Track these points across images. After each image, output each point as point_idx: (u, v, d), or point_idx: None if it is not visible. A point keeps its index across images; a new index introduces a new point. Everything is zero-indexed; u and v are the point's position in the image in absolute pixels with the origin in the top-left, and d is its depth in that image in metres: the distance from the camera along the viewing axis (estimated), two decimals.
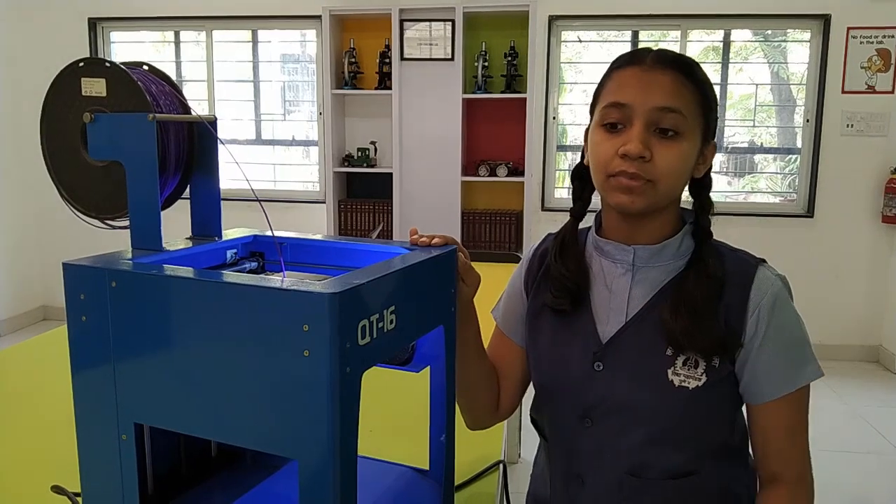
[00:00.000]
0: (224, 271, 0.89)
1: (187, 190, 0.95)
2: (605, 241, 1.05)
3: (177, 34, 4.89)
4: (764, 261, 1.00)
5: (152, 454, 0.85)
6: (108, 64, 0.83)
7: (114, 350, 0.75)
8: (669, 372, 0.96)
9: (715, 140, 1.02)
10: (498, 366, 1.16)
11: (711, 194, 1.04)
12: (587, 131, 1.05)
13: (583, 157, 1.08)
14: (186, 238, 0.94)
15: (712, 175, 1.06)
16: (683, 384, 0.95)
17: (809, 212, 4.32)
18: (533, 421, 1.15)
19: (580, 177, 1.10)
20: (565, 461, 1.05)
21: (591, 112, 1.03)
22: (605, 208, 1.05)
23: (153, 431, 0.84)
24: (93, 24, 4.78)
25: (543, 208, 4.56)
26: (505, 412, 1.17)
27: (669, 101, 0.93)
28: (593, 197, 1.11)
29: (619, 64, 0.99)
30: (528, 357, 1.12)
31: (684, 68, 0.95)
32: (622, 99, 0.95)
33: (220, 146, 0.92)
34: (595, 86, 1.03)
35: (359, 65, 4.34)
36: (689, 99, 0.95)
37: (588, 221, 1.13)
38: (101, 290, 0.74)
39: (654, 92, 0.93)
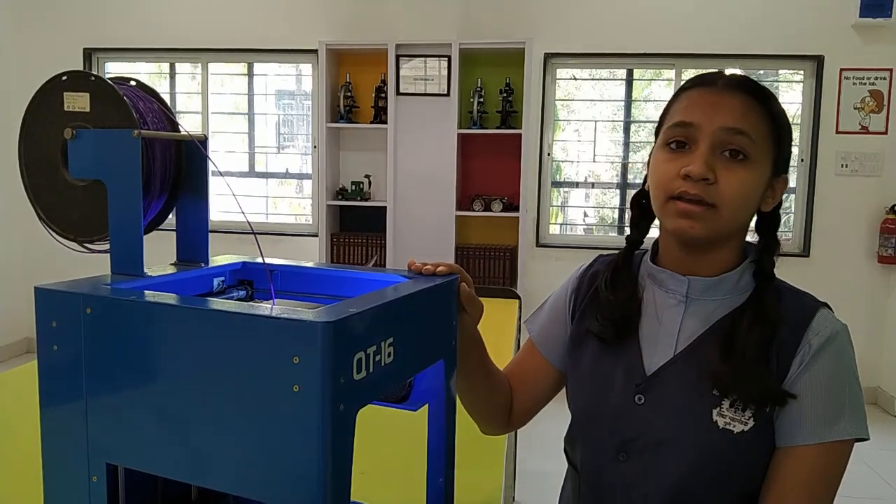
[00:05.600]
0: (209, 299, 0.83)
1: (173, 215, 0.90)
2: (659, 269, 0.99)
3: (172, 66, 4.89)
4: (827, 305, 0.94)
5: (126, 497, 0.79)
6: (92, 77, 0.79)
7: (86, 383, 0.69)
8: (714, 412, 0.90)
9: (787, 175, 0.97)
10: (521, 378, 1.12)
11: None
12: (650, 155, 1.01)
13: (644, 183, 1.04)
14: (171, 264, 0.88)
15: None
16: (728, 427, 0.89)
17: (805, 251, 4.31)
18: (566, 451, 1.10)
19: (639, 204, 1.07)
20: (596, 496, 1.00)
21: (657, 135, 0.99)
22: (664, 235, 1.00)
23: (128, 473, 0.78)
24: (88, 54, 4.78)
25: (538, 244, 4.53)
26: (517, 424, 1.14)
27: (737, 123, 0.89)
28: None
29: (688, 85, 0.95)
30: (567, 382, 1.07)
31: (756, 93, 0.92)
32: (688, 118, 0.91)
33: (210, 168, 0.87)
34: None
35: (354, 99, 4.34)
36: (759, 124, 0.90)
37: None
38: (75, 317, 0.68)
39: (721, 112, 0.89)
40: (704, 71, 0.98)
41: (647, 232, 1.07)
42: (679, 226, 0.91)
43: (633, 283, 1.02)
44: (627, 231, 1.08)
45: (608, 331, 0.99)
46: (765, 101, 0.91)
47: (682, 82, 0.97)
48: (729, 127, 0.88)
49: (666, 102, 1.00)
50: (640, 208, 1.06)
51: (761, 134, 0.90)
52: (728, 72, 0.95)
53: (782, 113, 0.94)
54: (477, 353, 1.03)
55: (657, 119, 1.00)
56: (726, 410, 0.89)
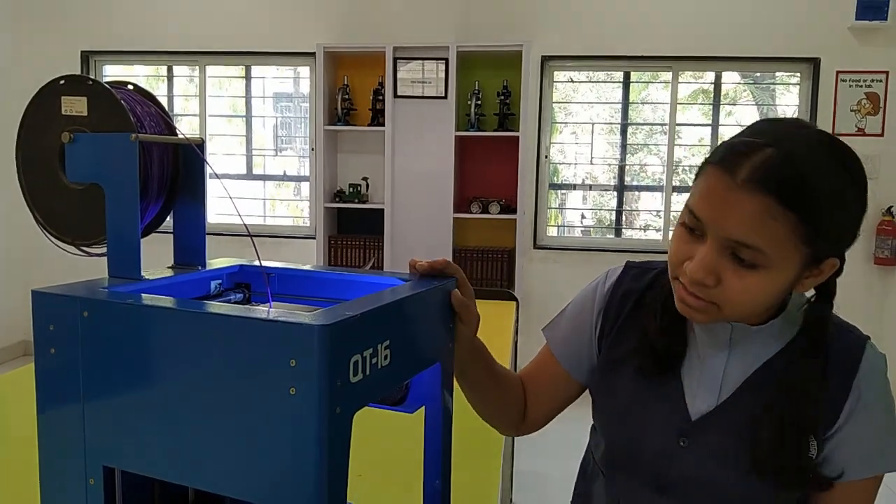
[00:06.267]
0: (206, 302, 0.83)
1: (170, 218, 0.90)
2: None
3: (170, 68, 4.89)
4: (869, 337, 0.92)
5: (123, 500, 0.79)
6: (90, 82, 0.79)
7: (83, 386, 0.69)
8: None
9: (837, 257, 0.84)
10: (539, 384, 1.10)
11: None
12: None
13: None
14: (168, 267, 0.89)
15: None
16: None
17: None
18: (598, 468, 1.07)
19: None
20: None
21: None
22: None
23: (125, 476, 0.78)
24: (85, 57, 4.78)
25: (536, 246, 4.53)
26: (533, 427, 1.11)
27: (746, 237, 0.78)
28: None
29: (715, 159, 0.83)
30: (596, 405, 1.04)
31: (780, 192, 0.76)
32: (700, 212, 0.82)
33: (207, 171, 0.88)
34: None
35: (352, 101, 4.35)
36: (777, 232, 0.77)
37: None
38: (72, 320, 0.68)
39: (732, 219, 0.78)
40: (742, 138, 0.83)
41: None
42: (681, 308, 0.88)
43: (679, 317, 0.93)
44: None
45: (649, 365, 0.95)
46: (792, 199, 0.77)
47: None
48: (736, 240, 0.79)
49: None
50: None
51: (780, 241, 0.78)
52: (764, 151, 0.79)
53: (825, 197, 0.78)
54: (482, 364, 0.99)
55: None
56: None
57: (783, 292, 0.86)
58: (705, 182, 0.83)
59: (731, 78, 4.50)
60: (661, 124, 4.43)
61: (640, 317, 1.00)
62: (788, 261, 0.80)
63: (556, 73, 4.51)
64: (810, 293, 0.92)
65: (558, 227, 4.72)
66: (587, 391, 1.09)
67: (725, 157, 0.81)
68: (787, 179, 0.77)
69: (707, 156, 0.87)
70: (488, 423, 1.10)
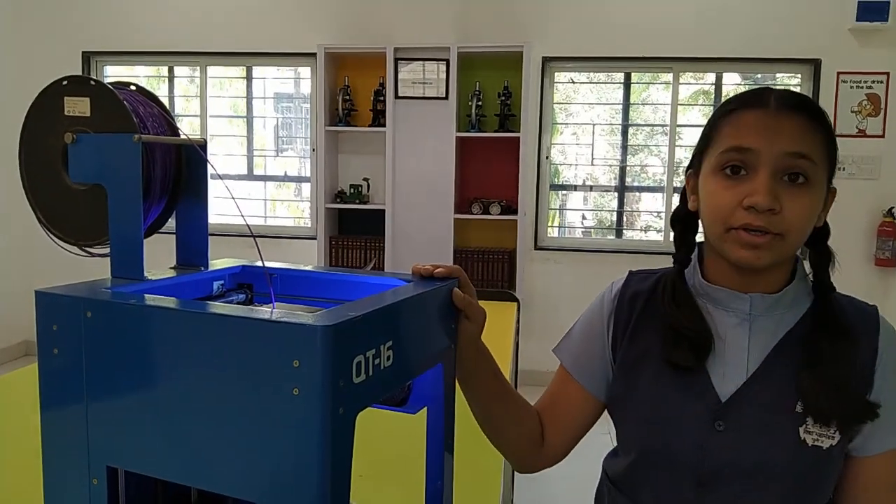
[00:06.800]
0: (209, 302, 0.83)
1: (172, 220, 0.90)
2: (714, 287, 0.96)
3: (171, 69, 4.89)
4: (876, 306, 0.96)
5: (126, 500, 0.79)
6: (93, 82, 0.79)
7: (87, 386, 0.69)
8: (801, 430, 0.89)
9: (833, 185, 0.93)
10: (557, 408, 1.07)
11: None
12: (688, 175, 0.99)
13: (682, 201, 1.02)
14: (170, 268, 0.89)
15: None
16: (817, 443, 0.89)
17: (802, 253, 4.31)
18: (615, 484, 1.04)
19: (681, 221, 1.03)
20: None
21: (698, 158, 0.96)
22: (715, 257, 0.96)
23: (128, 475, 0.78)
24: (87, 57, 4.78)
25: (536, 247, 4.53)
26: (553, 457, 1.07)
27: (799, 147, 0.86)
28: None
29: (736, 106, 0.91)
30: (616, 416, 1.03)
31: (812, 112, 0.89)
32: (745, 143, 0.87)
33: (209, 171, 0.88)
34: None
35: (353, 102, 4.35)
36: (818, 144, 0.88)
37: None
38: (75, 320, 0.69)
39: (782, 136, 0.86)
40: (747, 90, 0.94)
41: (693, 248, 1.02)
42: (743, 256, 0.88)
43: (694, 303, 0.97)
44: (674, 252, 1.04)
45: (688, 357, 0.94)
46: (820, 118, 0.89)
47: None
48: (792, 151, 0.86)
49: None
50: (682, 225, 1.03)
51: (820, 154, 0.88)
52: (775, 89, 0.91)
53: (832, 127, 0.91)
54: (487, 367, 0.97)
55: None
56: (812, 427, 0.89)
57: (817, 216, 0.91)
58: (737, 122, 0.90)
59: (731, 79, 4.50)
60: (662, 125, 4.43)
61: (652, 317, 1.00)
62: (822, 178, 0.89)
63: (556, 73, 4.51)
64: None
65: (559, 228, 4.72)
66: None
67: (747, 98, 0.91)
68: (811, 104, 0.90)
69: (714, 114, 0.96)
70: (505, 454, 1.07)
